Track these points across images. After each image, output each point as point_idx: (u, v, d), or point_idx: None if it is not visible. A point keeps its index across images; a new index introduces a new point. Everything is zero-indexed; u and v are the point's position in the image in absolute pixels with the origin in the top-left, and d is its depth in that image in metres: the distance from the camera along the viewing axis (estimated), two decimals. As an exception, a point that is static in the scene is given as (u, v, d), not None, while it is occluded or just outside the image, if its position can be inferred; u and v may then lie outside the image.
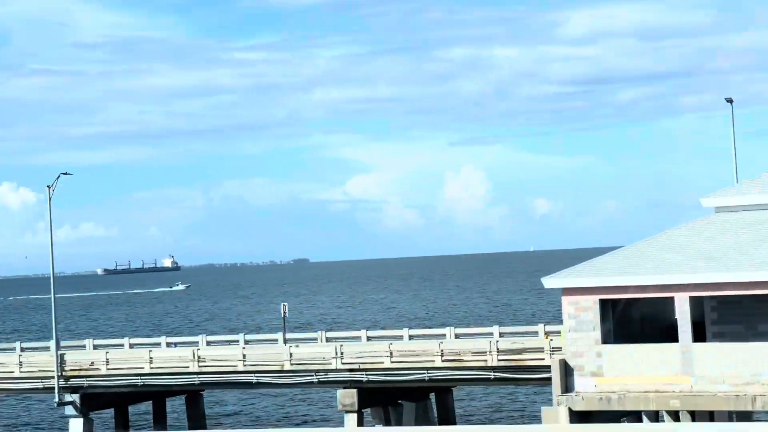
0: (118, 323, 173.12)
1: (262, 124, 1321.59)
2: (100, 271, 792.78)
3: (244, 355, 57.48)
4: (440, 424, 59.32)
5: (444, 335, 56.47)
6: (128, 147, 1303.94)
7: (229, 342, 66.15)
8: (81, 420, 60.74)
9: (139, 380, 59.55)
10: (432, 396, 60.32)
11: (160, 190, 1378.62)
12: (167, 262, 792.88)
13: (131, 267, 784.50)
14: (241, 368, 57.40)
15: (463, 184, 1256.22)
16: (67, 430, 61.12)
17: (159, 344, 65.90)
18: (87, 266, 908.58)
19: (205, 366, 58.24)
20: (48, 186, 62.37)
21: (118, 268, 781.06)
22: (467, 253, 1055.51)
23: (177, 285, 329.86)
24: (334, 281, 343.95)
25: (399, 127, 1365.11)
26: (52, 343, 61.36)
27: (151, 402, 65.19)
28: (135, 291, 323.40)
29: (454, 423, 60.92)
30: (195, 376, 58.37)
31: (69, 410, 60.92)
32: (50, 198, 62.56)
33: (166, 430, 65.14)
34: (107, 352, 61.19)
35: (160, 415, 65.23)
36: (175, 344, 67.42)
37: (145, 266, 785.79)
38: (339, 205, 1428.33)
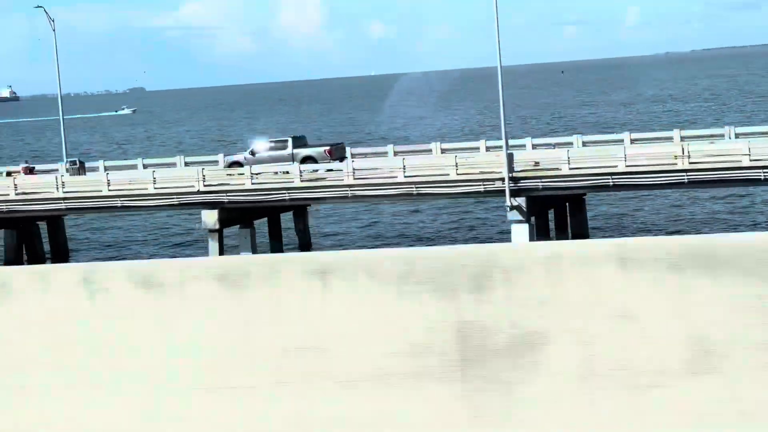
0: (129, 145, 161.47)
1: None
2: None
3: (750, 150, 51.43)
4: None
5: None
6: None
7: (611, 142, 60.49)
8: (526, 226, 54.09)
9: (610, 180, 52.89)
10: None
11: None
12: (5, 93, 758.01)
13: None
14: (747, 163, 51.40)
15: (298, 8, 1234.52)
16: (509, 234, 54.46)
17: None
18: None
19: (694, 162, 52.07)
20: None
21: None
22: (308, 78, 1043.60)
23: (123, 109, 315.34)
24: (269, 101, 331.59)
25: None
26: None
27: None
28: (79, 116, 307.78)
29: None
30: (683, 174, 52.13)
31: (513, 215, 54.08)
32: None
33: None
34: (568, 150, 54.25)
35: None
36: (554, 145, 61.56)
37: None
38: (172, 32, 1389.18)
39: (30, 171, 67.48)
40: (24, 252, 64.19)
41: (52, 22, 63.55)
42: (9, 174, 66.45)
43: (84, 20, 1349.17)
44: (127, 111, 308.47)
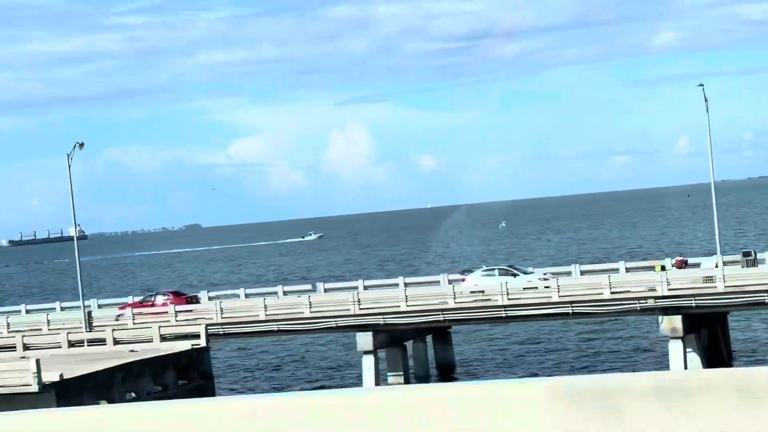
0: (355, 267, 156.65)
1: (145, 90, 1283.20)
2: (4, 243, 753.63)
3: None
4: None
5: None
6: (6, 117, 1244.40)
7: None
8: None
9: None
10: None
11: (40, 160, 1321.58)
12: (72, 231, 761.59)
13: (37, 237, 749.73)
14: None
15: (349, 143, 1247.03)
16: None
17: None
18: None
19: None
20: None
21: (24, 239, 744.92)
22: (363, 212, 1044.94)
23: (309, 234, 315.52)
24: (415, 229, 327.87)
25: (285, 88, 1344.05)
26: None
27: None
28: (263, 243, 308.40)
29: None
30: None
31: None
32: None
33: None
34: None
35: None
36: None
37: (51, 236, 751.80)
38: (224, 169, 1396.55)
39: (684, 264, 63.17)
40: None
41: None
42: (663, 268, 62.21)
43: (136, 161, 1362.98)
44: (313, 237, 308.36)
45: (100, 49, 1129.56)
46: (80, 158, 74.79)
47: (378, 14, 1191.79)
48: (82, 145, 62.06)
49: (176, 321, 60.93)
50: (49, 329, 63.39)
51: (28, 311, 73.28)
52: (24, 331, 63.37)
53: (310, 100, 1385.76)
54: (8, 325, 65.90)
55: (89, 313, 64.00)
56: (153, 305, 66.82)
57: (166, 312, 63.31)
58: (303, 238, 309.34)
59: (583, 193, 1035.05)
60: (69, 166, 63.86)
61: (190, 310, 63.28)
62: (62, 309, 72.18)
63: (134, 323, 61.94)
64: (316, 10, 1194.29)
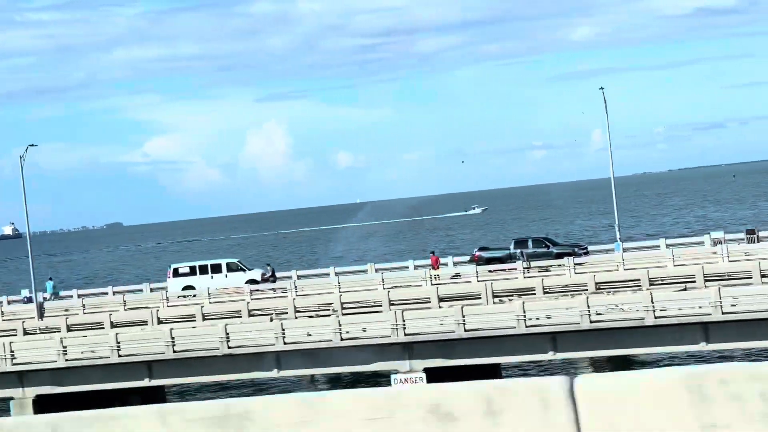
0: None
1: (60, 87, 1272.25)
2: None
3: None
4: None
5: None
6: None
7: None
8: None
9: None
10: None
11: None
12: (8, 230, 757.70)
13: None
14: None
15: (266, 140, 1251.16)
16: None
17: None
18: None
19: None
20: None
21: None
22: (286, 208, 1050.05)
23: (473, 208, 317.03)
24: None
25: (203, 85, 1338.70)
26: None
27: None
28: (431, 216, 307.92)
29: None
30: None
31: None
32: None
33: None
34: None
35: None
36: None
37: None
38: (140, 167, 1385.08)
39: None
40: None
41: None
42: None
43: (51, 159, 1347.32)
44: (477, 210, 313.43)
45: (14, 46, 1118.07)
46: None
47: (298, 10, 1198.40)
48: None
49: None
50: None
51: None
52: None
53: (230, 97, 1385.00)
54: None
55: None
56: None
57: None
58: (466, 211, 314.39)
59: (504, 186, 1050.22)
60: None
61: None
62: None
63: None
64: (236, 6, 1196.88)
